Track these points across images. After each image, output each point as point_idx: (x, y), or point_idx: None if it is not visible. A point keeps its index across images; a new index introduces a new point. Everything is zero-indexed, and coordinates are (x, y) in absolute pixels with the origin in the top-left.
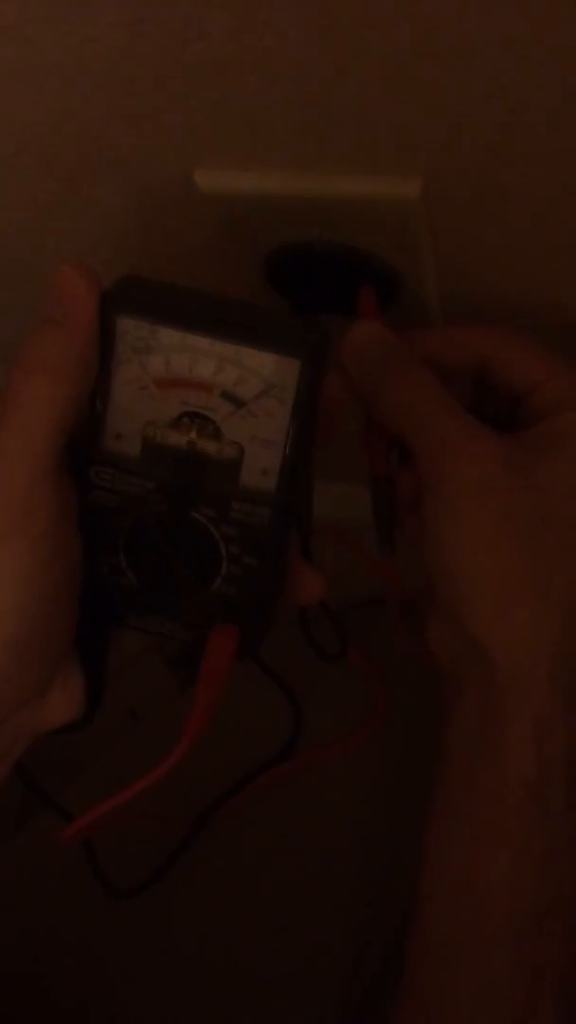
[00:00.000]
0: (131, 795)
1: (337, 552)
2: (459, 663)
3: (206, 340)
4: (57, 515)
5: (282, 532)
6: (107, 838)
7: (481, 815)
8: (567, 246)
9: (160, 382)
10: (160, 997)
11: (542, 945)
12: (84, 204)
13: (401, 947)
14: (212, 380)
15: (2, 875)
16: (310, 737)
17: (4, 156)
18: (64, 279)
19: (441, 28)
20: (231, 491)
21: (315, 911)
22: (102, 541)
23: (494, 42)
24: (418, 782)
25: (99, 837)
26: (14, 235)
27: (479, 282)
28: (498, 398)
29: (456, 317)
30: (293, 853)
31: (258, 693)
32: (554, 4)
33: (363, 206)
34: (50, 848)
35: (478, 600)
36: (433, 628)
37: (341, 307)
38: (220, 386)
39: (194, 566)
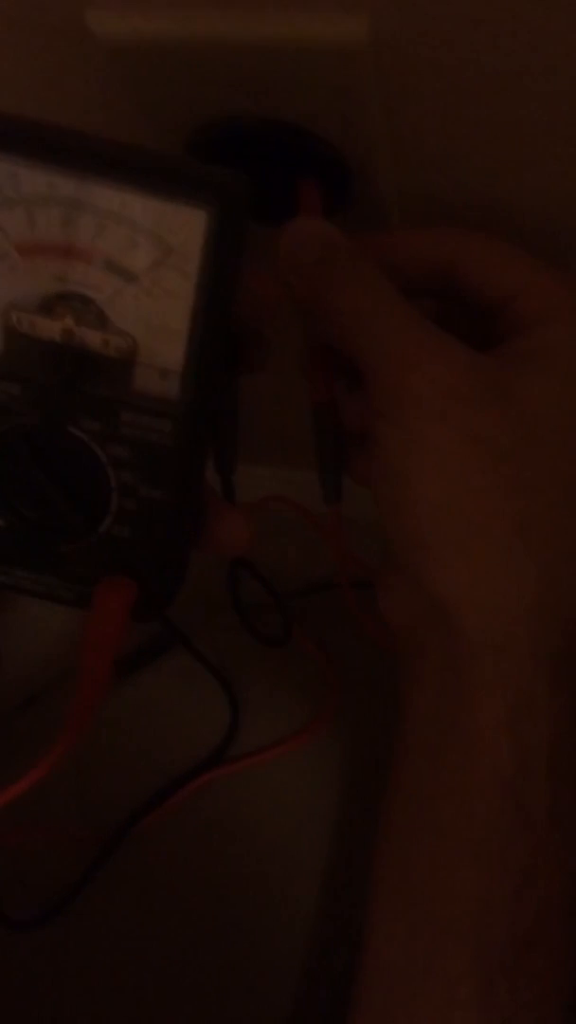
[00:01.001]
0: (4, 800)
1: (280, 534)
2: (415, 630)
3: (82, 184)
4: None
5: (189, 453)
6: (4, 859)
7: (444, 823)
8: (556, 127)
9: (24, 248)
10: None
11: (518, 990)
12: None
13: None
14: (92, 245)
15: None
16: (249, 733)
17: None
18: None
19: None
20: (121, 398)
21: (256, 942)
22: None
23: None
24: (373, 781)
25: None
26: None
27: (443, 176)
28: (468, 312)
29: (416, 225)
30: (228, 871)
31: (190, 684)
32: None
33: (297, 56)
34: None
35: (440, 543)
36: (385, 589)
37: (280, 214)
38: (103, 253)
39: (76, 499)
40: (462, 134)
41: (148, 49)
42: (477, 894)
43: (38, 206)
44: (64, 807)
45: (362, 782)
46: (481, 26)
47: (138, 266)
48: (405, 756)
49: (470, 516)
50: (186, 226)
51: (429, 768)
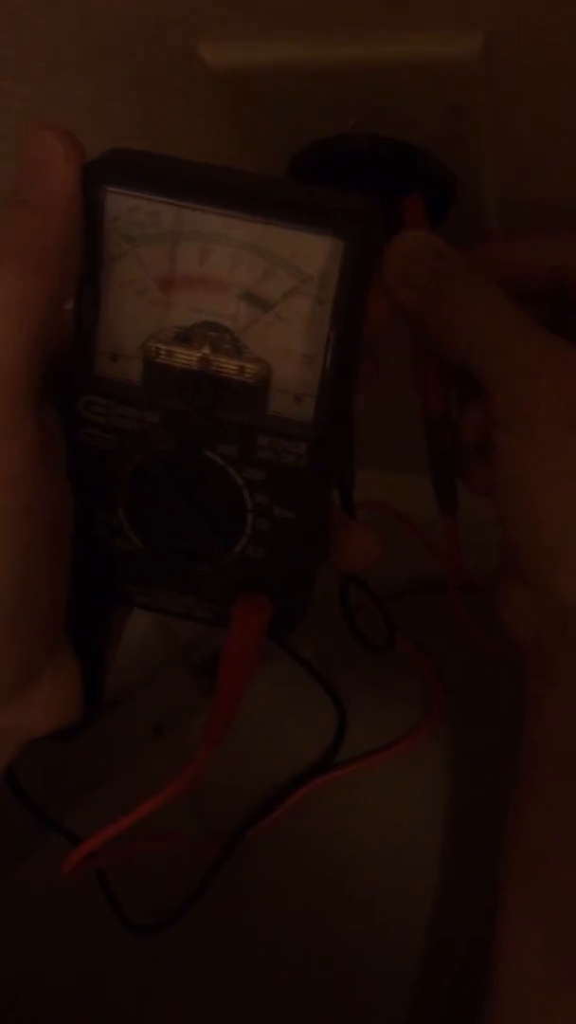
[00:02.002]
0: (145, 813)
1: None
2: (545, 642)
3: (220, 218)
4: (37, 454)
5: (322, 475)
6: (125, 866)
7: None
8: None
9: (163, 282)
10: None
11: None
12: (68, 100)
13: (467, 988)
14: (229, 276)
15: (6, 908)
16: (353, 738)
17: None
18: (35, 145)
19: None
20: (256, 423)
21: (366, 947)
22: (96, 494)
23: None
24: (484, 785)
25: (115, 866)
26: None
27: (548, 183)
28: None
29: (517, 233)
30: (338, 876)
31: (294, 692)
32: None
33: (407, 75)
34: (59, 878)
35: (573, 554)
36: (509, 600)
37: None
38: (239, 284)
39: (212, 521)
40: (570, 140)
41: (260, 76)
42: None
43: (178, 241)
44: (179, 815)
45: (471, 784)
46: None
47: (274, 295)
48: (536, 766)
49: None
50: (323, 255)
51: (562, 781)
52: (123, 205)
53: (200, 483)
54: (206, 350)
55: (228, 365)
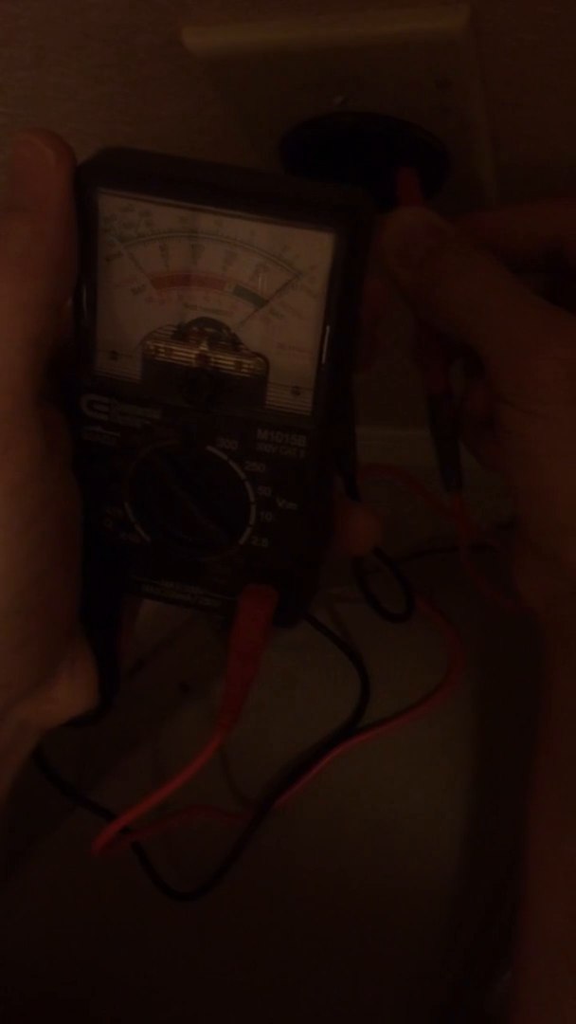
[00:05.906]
0: (165, 795)
1: (389, 495)
2: (559, 607)
3: (211, 216)
4: (43, 456)
5: (322, 465)
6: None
7: None
8: None
9: (158, 280)
10: (231, 1005)
11: None
12: (55, 91)
13: (492, 933)
14: (222, 273)
15: (43, 877)
16: (375, 702)
17: None
18: (25, 150)
19: None
20: (256, 417)
21: (398, 898)
22: (103, 489)
23: None
24: (507, 742)
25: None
26: None
27: (544, 148)
28: None
29: (516, 199)
30: (365, 839)
31: (311, 656)
32: None
33: (393, 52)
34: (90, 855)
35: None
36: (522, 568)
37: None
38: (233, 280)
39: (216, 514)
40: (563, 105)
41: (244, 60)
42: None
43: (170, 240)
44: (208, 781)
45: (493, 742)
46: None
47: (267, 290)
48: (553, 730)
49: None
50: (313, 249)
51: None
52: (115, 206)
53: (203, 477)
54: (203, 347)
55: (225, 361)
